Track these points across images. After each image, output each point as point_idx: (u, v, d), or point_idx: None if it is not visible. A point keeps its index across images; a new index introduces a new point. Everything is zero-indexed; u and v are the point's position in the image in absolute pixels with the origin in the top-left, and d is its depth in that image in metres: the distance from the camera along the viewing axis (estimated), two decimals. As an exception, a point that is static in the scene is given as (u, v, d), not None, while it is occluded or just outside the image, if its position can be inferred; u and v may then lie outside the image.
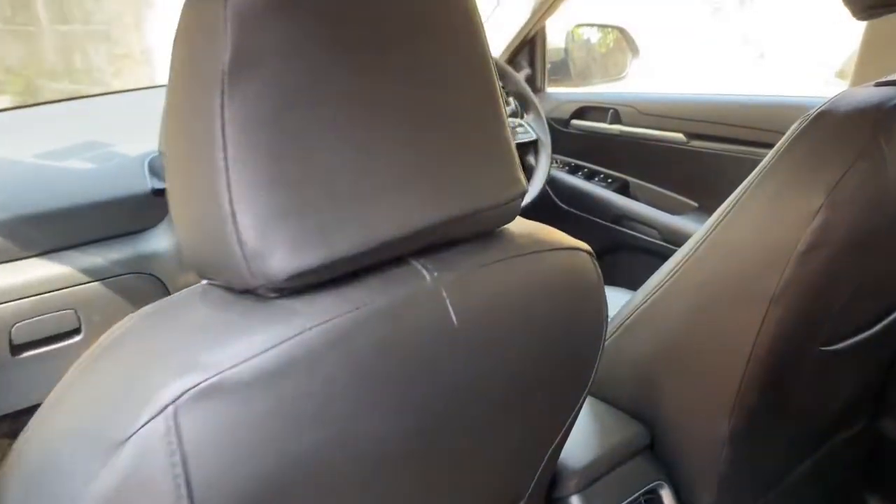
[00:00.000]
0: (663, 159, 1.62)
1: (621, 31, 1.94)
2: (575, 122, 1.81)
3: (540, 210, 1.87)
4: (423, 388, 0.47)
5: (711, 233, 0.85)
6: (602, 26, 1.93)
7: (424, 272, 0.47)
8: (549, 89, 1.94)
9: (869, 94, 0.80)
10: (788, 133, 0.81)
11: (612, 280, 1.60)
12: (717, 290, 0.85)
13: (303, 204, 0.41)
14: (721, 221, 0.85)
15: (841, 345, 0.90)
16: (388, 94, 0.44)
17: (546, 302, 0.55)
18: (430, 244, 0.49)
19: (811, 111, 0.81)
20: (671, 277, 0.90)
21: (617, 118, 1.70)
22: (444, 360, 0.48)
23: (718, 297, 0.85)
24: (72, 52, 6.56)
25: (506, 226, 0.56)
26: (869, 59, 1.21)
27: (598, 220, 1.75)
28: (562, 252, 0.57)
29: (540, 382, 0.58)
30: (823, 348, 0.89)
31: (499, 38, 1.83)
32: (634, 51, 1.94)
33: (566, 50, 1.92)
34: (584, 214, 1.79)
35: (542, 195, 1.85)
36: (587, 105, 1.78)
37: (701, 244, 0.86)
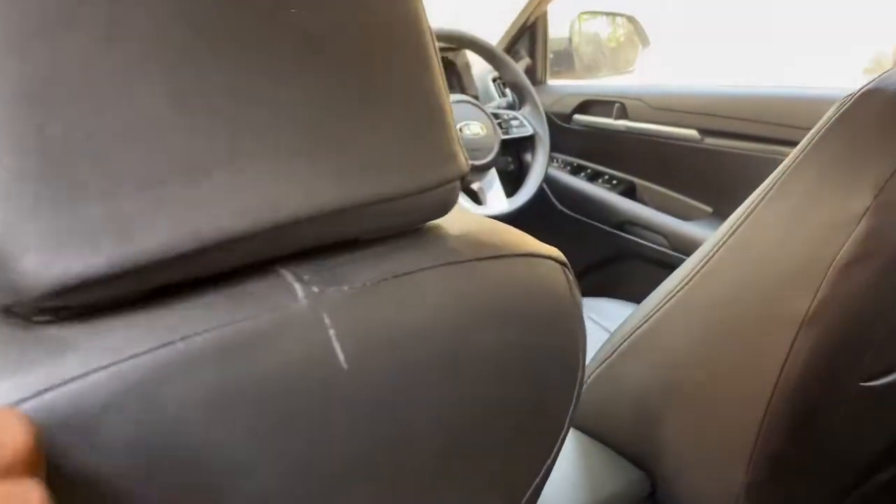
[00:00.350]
0: (674, 158, 1.46)
1: (631, 19, 1.78)
2: (578, 117, 1.65)
3: (537, 214, 1.71)
4: (298, 460, 0.32)
5: (726, 242, 0.71)
6: (610, 14, 1.78)
7: (297, 287, 0.32)
8: (552, 81, 1.78)
9: None
10: (822, 121, 0.66)
11: (616, 292, 1.45)
12: (733, 310, 0.70)
13: (79, 182, 0.26)
14: (737, 228, 0.70)
15: (885, 380, 0.74)
16: (247, 15, 0.29)
17: (492, 327, 0.39)
18: (310, 246, 0.33)
19: (850, 94, 0.66)
20: (676, 294, 0.75)
21: (623, 113, 1.54)
22: (326, 420, 0.32)
23: (735, 320, 0.70)
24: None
25: (436, 222, 0.41)
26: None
27: (601, 225, 1.59)
28: (517, 260, 0.42)
29: (493, 430, 0.43)
30: (864, 384, 0.73)
31: (497, 25, 1.68)
32: (644, 41, 1.79)
33: (570, 40, 1.77)
34: (585, 219, 1.63)
35: (540, 197, 1.70)
36: (591, 99, 1.63)
37: (713, 255, 0.72)
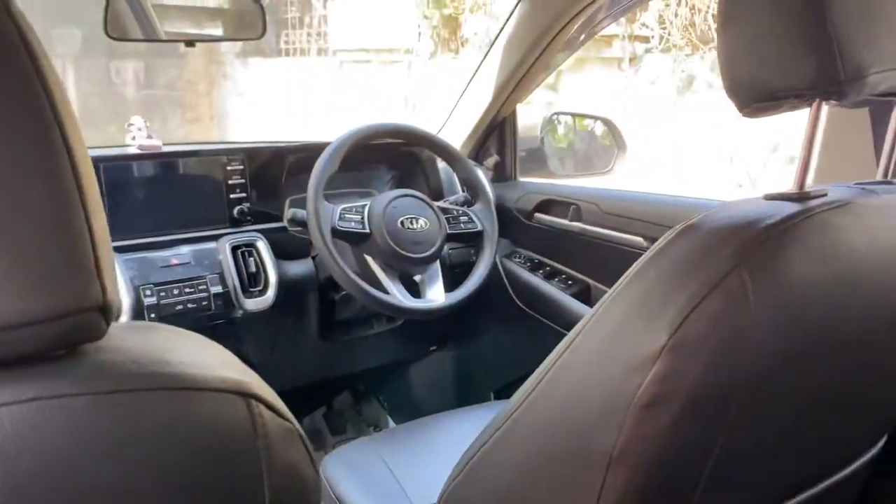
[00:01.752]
0: (624, 264, 1.43)
1: (607, 122, 1.80)
2: (538, 215, 1.65)
3: (496, 309, 1.71)
4: None
5: (548, 371, 0.68)
6: (585, 116, 1.80)
7: None
8: (524, 178, 1.80)
9: (748, 209, 0.63)
10: (650, 249, 0.65)
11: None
12: (556, 436, 0.68)
13: None
14: (559, 358, 0.67)
15: None
16: None
17: (142, 464, 0.38)
18: None
19: (670, 231, 0.65)
20: (512, 416, 0.73)
21: (578, 215, 1.54)
22: None
23: (557, 447, 0.68)
24: (152, 112, 6.96)
25: (104, 346, 0.40)
26: (826, 162, 1.02)
27: (553, 325, 1.57)
28: (178, 394, 0.40)
29: None
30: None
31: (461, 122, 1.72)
32: (621, 144, 1.80)
33: (542, 139, 1.79)
34: (540, 318, 1.61)
35: (501, 294, 1.69)
36: (551, 198, 1.63)
37: (539, 382, 0.69)
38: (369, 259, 1.38)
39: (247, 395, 0.42)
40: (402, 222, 1.37)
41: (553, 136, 1.89)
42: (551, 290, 1.57)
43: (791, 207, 0.60)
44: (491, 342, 1.82)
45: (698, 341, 0.56)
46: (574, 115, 1.80)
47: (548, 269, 1.63)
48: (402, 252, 1.35)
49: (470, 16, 5.49)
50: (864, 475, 0.82)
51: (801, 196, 0.62)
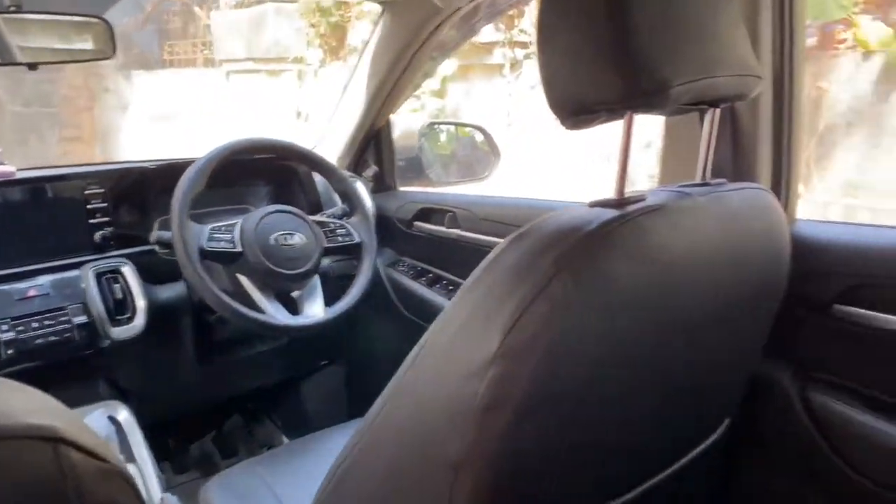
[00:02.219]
0: None
1: (481, 130, 1.84)
2: (417, 223, 1.67)
3: (383, 318, 1.71)
4: None
5: (405, 373, 0.70)
6: (459, 125, 1.84)
7: None
8: (403, 188, 1.82)
9: (571, 216, 0.66)
10: (486, 258, 0.67)
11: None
12: (408, 445, 0.69)
13: None
14: (415, 359, 0.69)
15: None
16: None
17: None
18: None
19: (513, 233, 0.67)
20: (371, 425, 0.73)
21: (455, 222, 1.57)
22: None
23: (410, 456, 0.69)
24: (27, 132, 6.54)
25: None
26: (668, 165, 1.09)
27: None
28: None
29: None
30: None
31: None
32: (495, 151, 1.84)
33: (420, 148, 1.81)
34: (427, 326, 1.62)
35: (385, 300, 1.70)
36: (429, 207, 1.66)
37: (396, 386, 0.70)
38: (242, 278, 1.35)
39: (52, 440, 0.41)
40: (275, 239, 1.35)
41: (434, 145, 1.92)
42: (434, 296, 1.59)
43: (610, 213, 0.64)
44: (381, 352, 1.83)
45: (528, 344, 0.59)
46: (448, 124, 1.83)
47: (430, 275, 1.65)
48: (277, 269, 1.33)
49: (357, 23, 5.48)
50: (707, 459, 0.87)
51: (619, 202, 0.66)
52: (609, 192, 0.69)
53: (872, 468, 0.89)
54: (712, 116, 0.80)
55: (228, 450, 1.91)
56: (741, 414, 0.93)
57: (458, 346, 0.63)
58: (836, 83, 2.90)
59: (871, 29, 2.79)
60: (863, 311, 0.91)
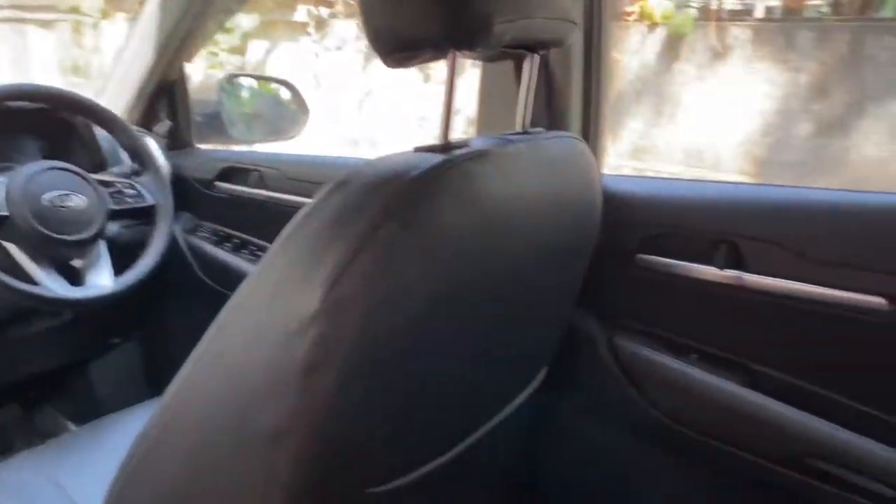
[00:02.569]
0: None
1: (288, 85, 1.73)
2: (220, 184, 1.54)
3: (182, 287, 1.57)
4: None
5: (211, 340, 0.62)
6: (263, 79, 1.72)
7: None
8: (202, 145, 1.67)
9: (396, 161, 0.62)
10: (302, 209, 0.61)
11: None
12: (219, 419, 0.62)
13: None
14: (222, 325, 0.62)
15: (396, 483, 0.70)
16: None
17: None
18: None
19: (332, 181, 0.62)
20: (174, 401, 0.65)
21: (262, 181, 1.47)
22: None
23: (221, 431, 0.62)
24: None
25: None
26: (484, 114, 1.08)
27: None
28: None
29: None
30: (371, 490, 0.68)
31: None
32: (303, 108, 1.74)
33: (220, 103, 1.67)
34: (231, 295, 1.51)
35: (184, 270, 1.56)
36: (233, 165, 1.53)
37: (202, 356, 0.63)
38: (10, 246, 1.16)
39: None
40: (50, 200, 1.18)
41: (236, 101, 1.77)
42: (240, 263, 1.48)
43: (436, 158, 0.61)
44: (183, 326, 1.68)
45: (353, 299, 0.55)
46: (252, 77, 1.70)
47: (236, 241, 1.54)
48: (53, 235, 1.16)
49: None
50: (527, 408, 0.89)
51: (445, 147, 0.63)
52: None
53: (675, 408, 0.95)
54: (531, 63, 0.79)
55: (2, 445, 1.67)
56: (556, 362, 0.95)
57: (276, 305, 0.57)
58: (626, 53, 3.13)
59: (655, 2, 3.03)
60: (663, 259, 0.96)
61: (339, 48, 4.11)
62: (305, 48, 4.19)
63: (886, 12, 2.73)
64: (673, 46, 3.06)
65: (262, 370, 0.57)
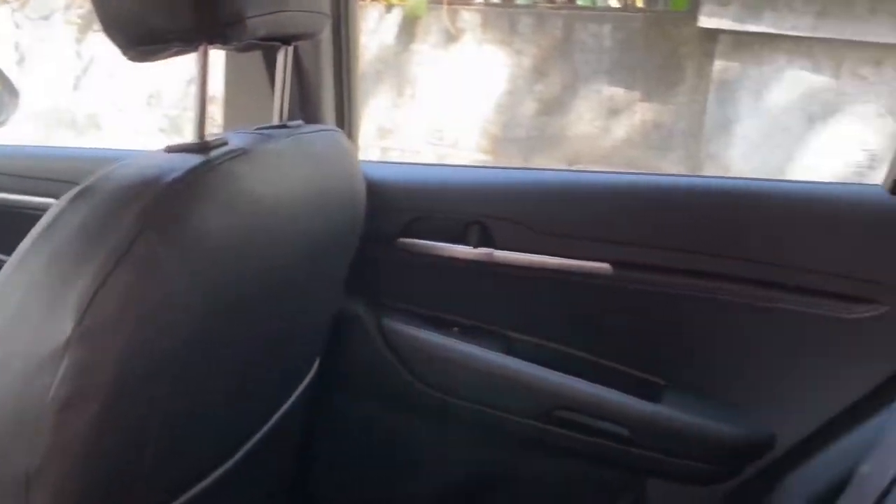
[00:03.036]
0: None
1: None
2: None
3: None
4: None
5: None
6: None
7: None
8: None
9: (148, 164, 0.57)
10: (42, 219, 0.54)
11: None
12: None
13: None
14: None
15: (181, 500, 0.67)
16: None
17: None
18: None
19: (75, 188, 0.56)
20: None
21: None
22: None
23: None
24: None
25: None
26: (231, 108, 1.04)
27: None
28: None
29: None
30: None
31: None
32: (12, 91, 1.52)
33: None
34: None
35: None
36: None
37: None
38: None
39: None
40: None
41: None
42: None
43: (194, 159, 0.58)
44: None
45: (113, 321, 0.50)
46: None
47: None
48: None
49: None
50: (303, 402, 0.89)
51: (201, 146, 0.60)
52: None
53: (442, 380, 1.02)
54: (285, 55, 0.77)
55: None
56: (329, 351, 0.96)
57: (20, 332, 0.50)
58: (365, 34, 3.16)
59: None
60: (420, 241, 1.02)
61: (45, 17, 3.62)
62: (2, 17, 3.63)
63: (583, 1, 3.05)
64: (409, 28, 3.16)
65: (10, 406, 0.51)
